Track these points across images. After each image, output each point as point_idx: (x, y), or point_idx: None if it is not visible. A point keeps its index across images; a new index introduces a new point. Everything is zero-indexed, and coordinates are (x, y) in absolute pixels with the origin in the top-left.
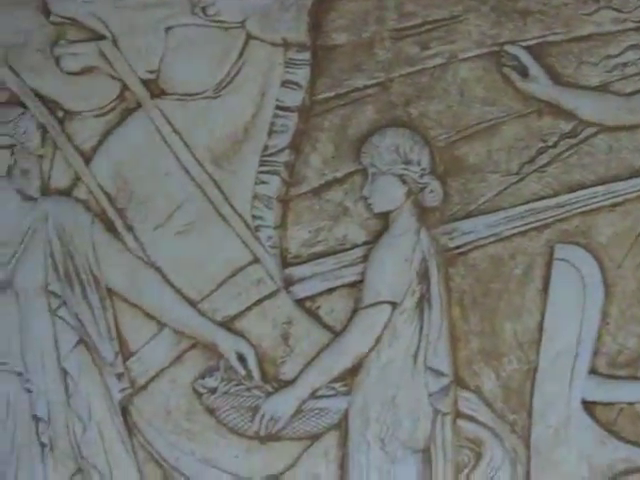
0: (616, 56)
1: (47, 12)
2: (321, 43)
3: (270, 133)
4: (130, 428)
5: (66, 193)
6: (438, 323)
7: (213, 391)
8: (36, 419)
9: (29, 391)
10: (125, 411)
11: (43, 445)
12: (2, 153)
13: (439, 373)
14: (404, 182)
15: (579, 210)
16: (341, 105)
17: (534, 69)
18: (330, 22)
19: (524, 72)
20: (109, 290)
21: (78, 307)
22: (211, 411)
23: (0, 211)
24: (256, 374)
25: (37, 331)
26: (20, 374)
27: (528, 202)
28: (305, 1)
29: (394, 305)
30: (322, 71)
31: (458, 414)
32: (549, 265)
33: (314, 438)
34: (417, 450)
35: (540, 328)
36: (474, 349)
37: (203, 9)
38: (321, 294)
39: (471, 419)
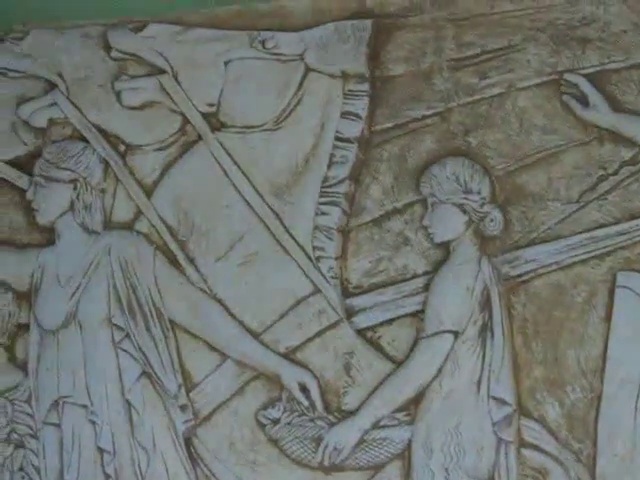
0: None
1: (108, 47)
2: (379, 74)
3: (330, 164)
4: (194, 459)
5: (128, 226)
6: (500, 352)
7: (276, 422)
8: (101, 450)
9: (94, 423)
10: (189, 442)
11: (108, 476)
12: (65, 188)
13: (502, 402)
14: (464, 211)
15: None
16: (400, 135)
17: (594, 97)
18: (388, 53)
19: (584, 100)
20: (172, 322)
21: (141, 339)
22: (274, 442)
23: (63, 245)
24: (319, 405)
25: (101, 363)
26: (85, 406)
27: (589, 230)
28: (363, 33)
29: (456, 334)
30: (381, 102)
31: (522, 443)
32: (611, 293)
33: (377, 468)
34: (481, 479)
35: (603, 356)
36: (537, 378)
37: (262, 42)
38: (382, 324)
39: (535, 448)
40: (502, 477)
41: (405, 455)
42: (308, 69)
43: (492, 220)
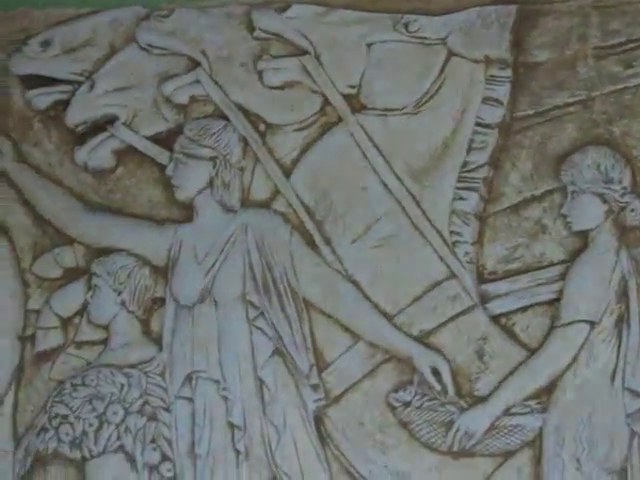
0: None
1: (251, 27)
2: (522, 60)
3: (469, 149)
4: (324, 439)
5: (265, 205)
6: (636, 343)
7: (407, 405)
8: (232, 426)
9: (226, 399)
10: (319, 422)
11: (238, 452)
12: (205, 165)
13: (637, 394)
14: (604, 201)
15: None
16: (541, 123)
17: None
18: (532, 39)
19: None
20: (306, 302)
21: (275, 318)
22: (404, 425)
23: (201, 221)
24: (450, 389)
25: (235, 340)
26: (217, 382)
27: None
28: (507, 18)
29: (592, 324)
30: (523, 88)
31: None
32: None
33: (507, 455)
34: (613, 471)
35: None
36: None
37: (405, 25)
38: (516, 311)
39: None
40: (634, 469)
41: (536, 443)
42: (450, 53)
43: (633, 210)
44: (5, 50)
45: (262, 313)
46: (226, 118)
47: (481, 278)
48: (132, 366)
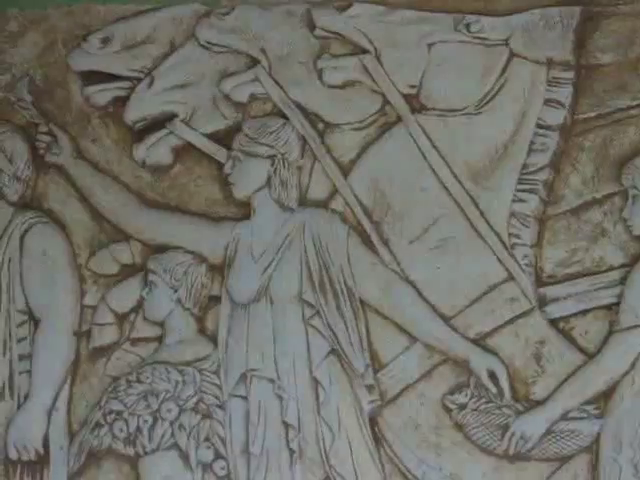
0: None
1: (312, 25)
2: (585, 62)
3: (530, 151)
4: (378, 440)
5: (323, 205)
6: None
7: (462, 407)
8: (286, 425)
9: (280, 398)
10: (373, 423)
11: (292, 451)
12: (263, 163)
13: None
14: None
15: None
16: (603, 125)
17: None
18: (595, 41)
19: None
20: (362, 302)
21: (331, 317)
22: (460, 427)
23: (258, 220)
24: (507, 392)
25: (290, 339)
26: (272, 381)
27: None
28: (571, 20)
29: None
30: (585, 90)
31: None
32: None
33: (563, 460)
34: None
35: None
36: None
37: (467, 26)
38: (575, 315)
39: None
40: None
41: (593, 448)
42: (512, 54)
43: None
44: (65, 46)
45: (318, 312)
46: (285, 117)
47: (540, 281)
48: (187, 363)
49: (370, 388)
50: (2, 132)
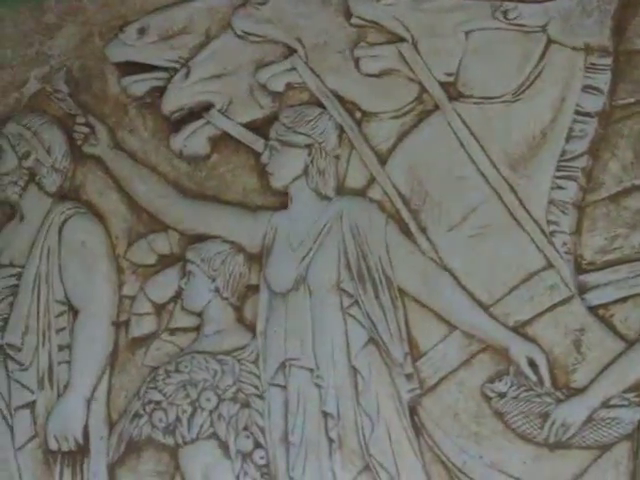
0: None
1: (348, 14)
2: (623, 48)
3: (568, 138)
4: (417, 429)
5: (361, 193)
6: None
7: (502, 395)
8: (325, 415)
9: (319, 387)
10: (413, 411)
11: (331, 440)
12: (300, 152)
13: None
14: None
15: None
16: None
17: None
18: (634, 27)
19: None
20: (401, 290)
21: (370, 306)
22: (500, 415)
23: (296, 209)
24: (547, 380)
25: (329, 328)
26: (311, 370)
27: None
28: (608, 6)
29: None
30: (623, 77)
31: None
32: None
33: (604, 448)
34: None
35: None
36: None
37: (504, 13)
38: (615, 302)
39: None
40: None
41: (634, 436)
42: (550, 41)
43: None
44: (102, 37)
45: (356, 301)
46: (322, 106)
47: (579, 268)
48: (225, 353)
49: (409, 377)
50: (40, 124)
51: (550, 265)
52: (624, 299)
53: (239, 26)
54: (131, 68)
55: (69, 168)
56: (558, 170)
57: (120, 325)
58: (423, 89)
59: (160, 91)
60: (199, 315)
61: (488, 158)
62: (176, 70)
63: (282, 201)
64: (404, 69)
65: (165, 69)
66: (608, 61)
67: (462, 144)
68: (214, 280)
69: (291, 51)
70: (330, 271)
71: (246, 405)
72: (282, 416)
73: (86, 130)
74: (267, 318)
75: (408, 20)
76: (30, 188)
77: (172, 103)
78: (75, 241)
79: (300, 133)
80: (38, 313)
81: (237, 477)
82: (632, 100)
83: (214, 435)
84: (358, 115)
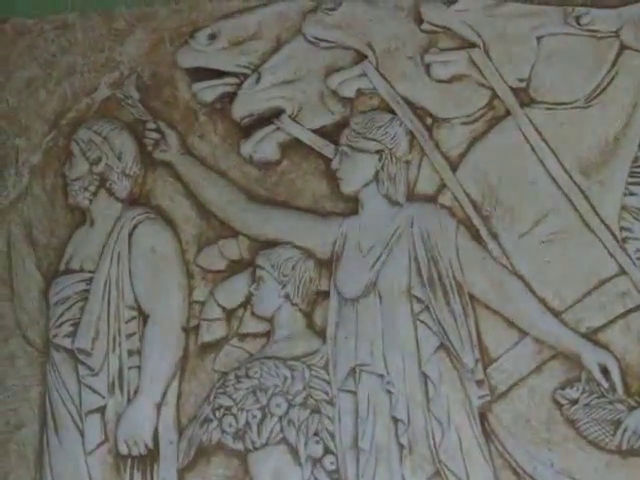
0: None
1: (419, 20)
2: None
3: None
4: (488, 435)
5: (431, 199)
6: None
7: (574, 402)
8: (395, 420)
9: (389, 392)
10: (483, 418)
11: (402, 446)
12: (371, 158)
13: None
14: None
15: None
16: None
17: None
18: None
19: None
20: (471, 297)
21: (440, 312)
22: (571, 422)
23: (367, 215)
24: (619, 387)
25: (399, 334)
26: (381, 376)
27: None
28: None
29: None
30: None
31: None
32: None
33: None
34: None
35: None
36: None
37: (577, 18)
38: None
39: None
40: None
41: None
42: (623, 47)
43: None
44: (172, 43)
45: (427, 307)
46: (392, 111)
47: None
48: (296, 359)
49: (480, 383)
50: (111, 129)
51: (623, 271)
52: None
53: (310, 32)
54: (201, 74)
55: (139, 174)
56: (631, 176)
57: (190, 331)
58: (494, 95)
59: (230, 97)
60: (269, 321)
61: (560, 164)
62: (246, 76)
63: (352, 207)
64: (475, 75)
65: (235, 75)
66: None
67: (534, 150)
68: (284, 286)
69: (362, 57)
70: (400, 277)
71: (316, 411)
72: (352, 422)
73: (156, 136)
74: (337, 324)
75: (479, 26)
76: (100, 194)
77: (242, 109)
78: (145, 247)
79: (371, 139)
80: (108, 318)
81: None
82: None
83: (284, 440)
84: (429, 121)
